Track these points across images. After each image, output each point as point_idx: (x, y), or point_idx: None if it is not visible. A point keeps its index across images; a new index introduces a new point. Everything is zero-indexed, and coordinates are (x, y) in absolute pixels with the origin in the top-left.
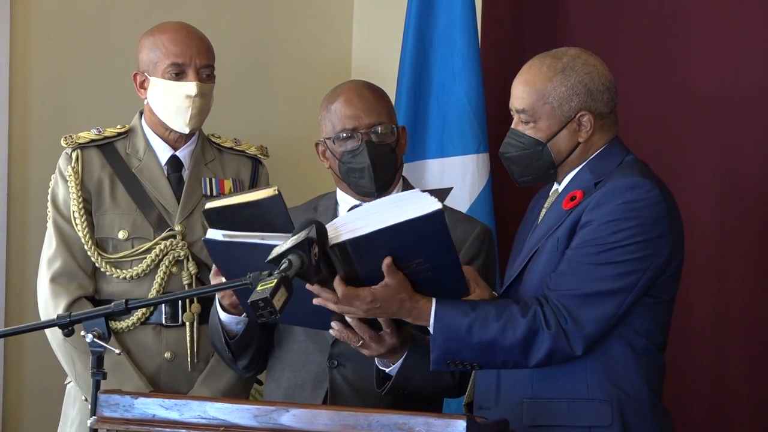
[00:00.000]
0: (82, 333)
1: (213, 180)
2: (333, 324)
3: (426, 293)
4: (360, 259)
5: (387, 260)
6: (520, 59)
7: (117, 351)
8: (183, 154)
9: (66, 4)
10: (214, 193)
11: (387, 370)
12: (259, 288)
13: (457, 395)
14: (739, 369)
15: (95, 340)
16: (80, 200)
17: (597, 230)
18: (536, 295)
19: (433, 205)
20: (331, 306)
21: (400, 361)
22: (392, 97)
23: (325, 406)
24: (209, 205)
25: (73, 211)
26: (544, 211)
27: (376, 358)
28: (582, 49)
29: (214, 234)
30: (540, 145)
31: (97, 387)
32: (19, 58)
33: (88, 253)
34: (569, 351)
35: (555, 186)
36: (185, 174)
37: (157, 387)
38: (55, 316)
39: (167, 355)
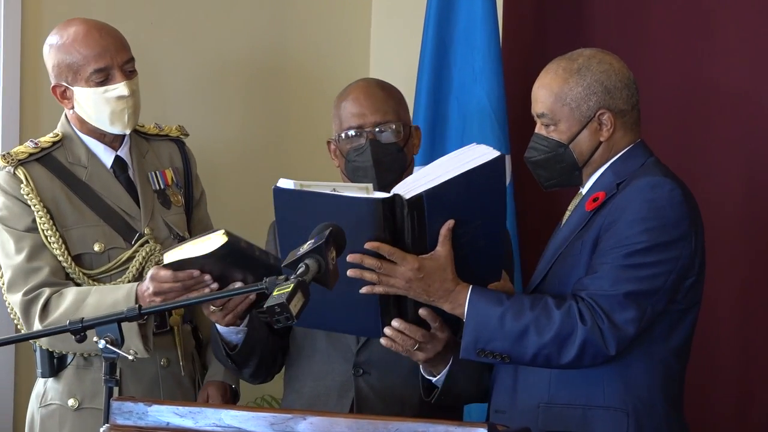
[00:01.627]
0: (95, 339)
1: (157, 173)
2: (386, 330)
3: (468, 270)
4: (432, 215)
5: (449, 223)
6: (542, 58)
7: (131, 357)
8: (124, 152)
9: (78, 2)
10: (161, 186)
11: (434, 379)
12: (275, 293)
13: None
14: (766, 376)
15: (108, 346)
16: (48, 218)
17: (622, 231)
18: (570, 293)
19: (493, 152)
20: (368, 276)
21: (447, 367)
22: (411, 98)
23: (343, 414)
24: (169, 259)
25: (44, 230)
26: (567, 213)
27: (421, 368)
28: (599, 49)
29: (286, 183)
30: (562, 147)
31: (109, 394)
32: (31, 57)
33: (68, 270)
34: (603, 349)
35: (580, 189)
36: (131, 173)
37: (156, 395)
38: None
39: (162, 361)
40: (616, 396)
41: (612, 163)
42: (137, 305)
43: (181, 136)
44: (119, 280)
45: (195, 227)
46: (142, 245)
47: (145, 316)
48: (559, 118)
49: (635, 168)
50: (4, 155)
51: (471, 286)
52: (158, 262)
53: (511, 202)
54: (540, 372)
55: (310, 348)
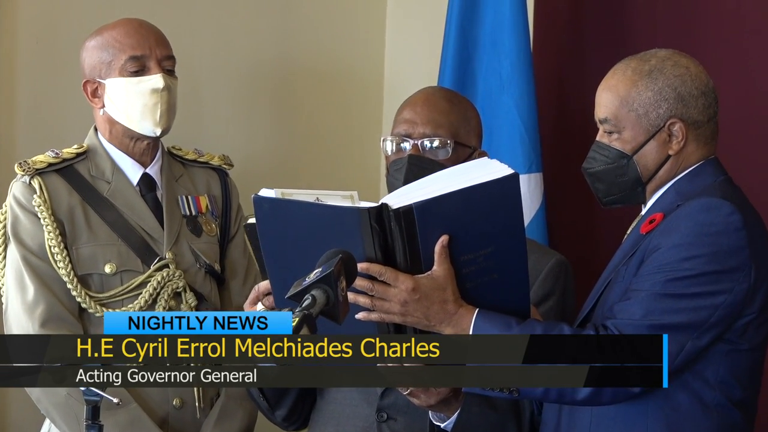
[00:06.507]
0: None
1: (189, 198)
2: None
3: (484, 305)
4: (425, 231)
5: (443, 239)
6: (577, 64)
7: (115, 400)
8: (153, 171)
9: (56, 4)
10: (193, 213)
11: (442, 425)
12: None
13: None
14: None
15: (90, 387)
16: (57, 234)
17: (664, 255)
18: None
19: (506, 169)
20: (361, 300)
21: (456, 415)
22: None
23: None
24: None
25: (51, 247)
26: (626, 236)
27: (429, 411)
28: (675, 50)
29: (267, 192)
30: (625, 159)
31: None
32: (4, 64)
33: (73, 293)
34: None
35: (642, 209)
36: (159, 194)
37: None
38: None
39: (175, 402)
40: None
41: (676, 180)
42: None
43: (224, 166)
44: (130, 306)
45: (226, 266)
46: (159, 269)
47: None
48: (623, 125)
49: (702, 188)
50: (20, 164)
51: (477, 309)
52: (176, 291)
53: (542, 228)
54: (582, 411)
55: (332, 390)
